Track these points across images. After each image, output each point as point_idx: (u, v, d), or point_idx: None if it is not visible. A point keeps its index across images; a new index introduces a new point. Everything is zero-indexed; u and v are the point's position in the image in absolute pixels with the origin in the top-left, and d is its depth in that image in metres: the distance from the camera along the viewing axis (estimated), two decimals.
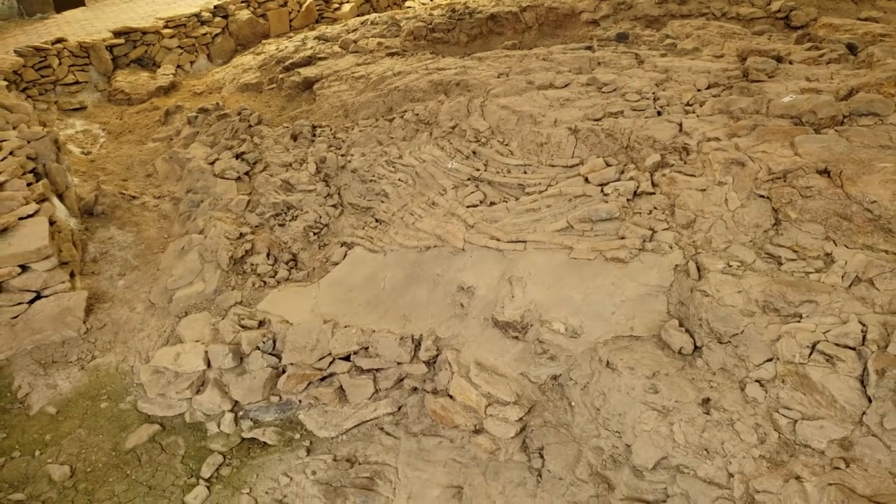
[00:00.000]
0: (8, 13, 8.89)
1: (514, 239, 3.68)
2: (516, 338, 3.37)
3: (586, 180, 3.81)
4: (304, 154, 5.48)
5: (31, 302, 3.88)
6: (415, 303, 3.88)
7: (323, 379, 3.67)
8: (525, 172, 4.16)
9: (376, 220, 4.56)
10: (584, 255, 3.39)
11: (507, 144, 4.44)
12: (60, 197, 5.01)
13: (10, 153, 4.77)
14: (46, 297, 3.94)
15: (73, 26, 8.43)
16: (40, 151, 5.04)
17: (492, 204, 4.10)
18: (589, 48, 5.86)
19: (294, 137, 5.81)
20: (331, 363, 3.67)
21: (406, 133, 5.20)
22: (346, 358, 3.68)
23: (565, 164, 4.04)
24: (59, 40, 7.44)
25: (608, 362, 3.00)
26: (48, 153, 5.11)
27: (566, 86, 4.86)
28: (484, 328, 3.49)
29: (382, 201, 4.65)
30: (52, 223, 4.29)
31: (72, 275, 4.24)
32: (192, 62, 8.77)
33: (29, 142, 5.01)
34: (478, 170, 4.34)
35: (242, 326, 3.82)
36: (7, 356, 3.68)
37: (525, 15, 7.70)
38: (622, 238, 3.38)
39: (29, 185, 4.58)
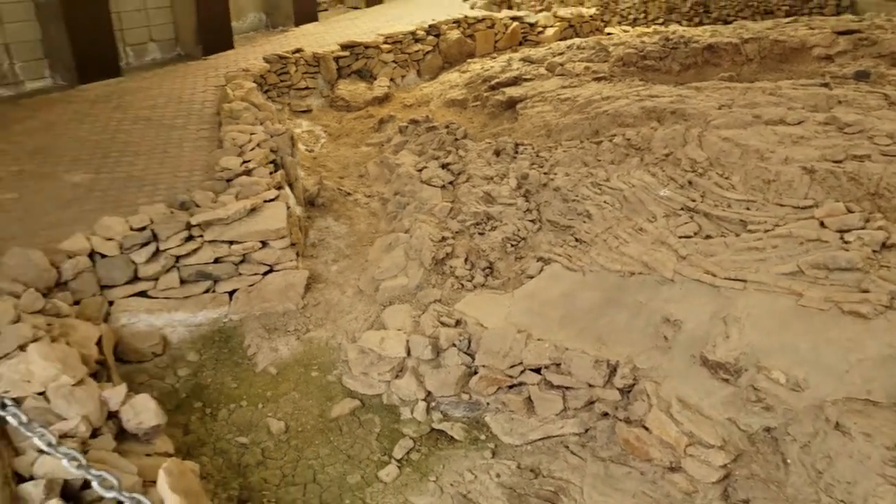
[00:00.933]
0: (258, 25, 10.25)
1: (733, 276, 3.52)
2: (726, 380, 3.21)
3: (822, 224, 3.55)
4: (505, 169, 5.68)
5: (265, 274, 4.40)
6: (612, 327, 3.84)
7: (512, 386, 3.76)
8: (748, 208, 3.97)
9: (576, 240, 4.59)
10: (815, 304, 3.15)
11: (727, 178, 4.27)
12: (290, 187, 5.64)
13: (258, 145, 5.47)
14: (277, 271, 4.45)
15: (308, 38, 9.50)
16: (280, 146, 5.72)
17: (707, 237, 3.96)
18: (825, 85, 5.46)
19: (497, 153, 6.05)
20: (521, 372, 3.75)
21: (614, 157, 5.20)
22: (537, 370, 3.74)
23: (796, 204, 3.79)
24: (298, 50, 8.41)
25: (838, 424, 2.76)
26: (286, 148, 5.78)
27: (800, 123, 4.57)
28: (689, 365, 3.37)
29: (584, 221, 4.67)
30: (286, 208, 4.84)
31: (297, 255, 4.74)
32: (403, 76, 9.47)
33: (272, 136, 5.71)
34: (693, 200, 4.22)
35: (441, 323, 4.03)
36: (241, 318, 4.21)
37: (746, 47, 7.36)
38: (865, 291, 3.10)
39: (270, 174, 5.20)
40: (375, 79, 8.94)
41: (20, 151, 5.48)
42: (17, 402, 2.62)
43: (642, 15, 15.79)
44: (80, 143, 5.69)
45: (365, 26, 10.26)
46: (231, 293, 4.28)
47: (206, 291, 4.21)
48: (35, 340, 3.02)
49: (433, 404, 3.74)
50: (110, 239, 4.01)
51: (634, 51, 7.84)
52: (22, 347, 2.95)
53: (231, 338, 4.09)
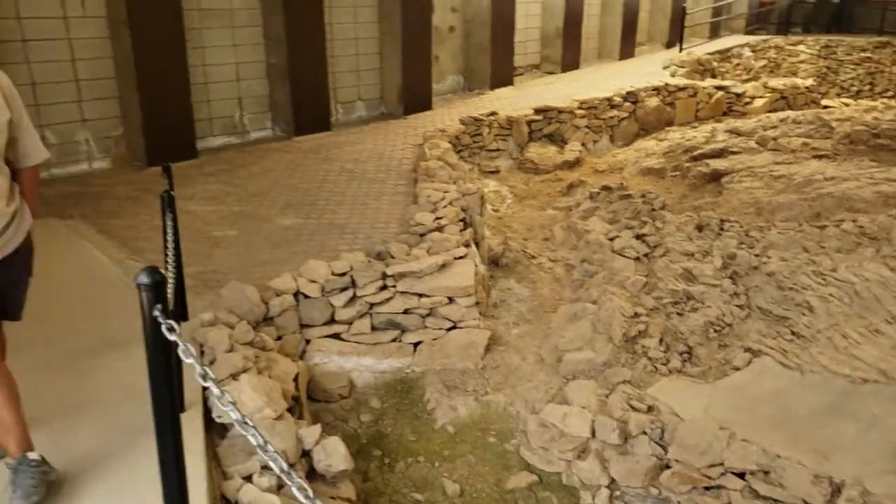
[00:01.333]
0: (455, 87, 10.92)
1: None
2: None
3: None
4: (709, 246, 5.39)
5: (448, 330, 4.51)
6: (837, 439, 3.40)
7: (709, 488, 3.44)
8: None
9: (793, 333, 4.18)
10: None
11: None
12: (477, 245, 5.80)
13: (450, 203, 5.72)
14: (460, 328, 4.54)
15: (503, 102, 9.91)
16: (470, 205, 5.93)
17: None
18: None
19: (699, 228, 5.77)
20: (721, 474, 3.42)
21: (842, 245, 4.72)
22: (741, 475, 3.39)
23: None
24: (492, 113, 8.80)
25: None
26: (475, 207, 5.98)
27: None
28: None
29: (804, 314, 4.25)
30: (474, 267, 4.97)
31: (479, 314, 4.81)
32: (595, 142, 9.49)
33: (463, 196, 5.95)
34: None
35: (631, 406, 3.83)
36: (423, 370, 4.33)
37: None
38: None
39: (460, 231, 5.39)
40: (566, 143, 9.06)
41: (243, 193, 6.22)
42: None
43: (867, 87, 14.54)
44: (292, 190, 6.34)
45: (559, 91, 10.50)
46: (416, 345, 4.43)
47: (394, 340, 4.39)
48: (245, 371, 3.32)
49: (617, 493, 3.53)
50: (314, 281, 4.36)
51: (865, 127, 7.18)
52: (234, 376, 3.26)
53: (412, 389, 4.21)
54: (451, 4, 10.67)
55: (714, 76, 12.38)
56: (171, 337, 1.48)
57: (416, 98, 9.46)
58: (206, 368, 1.43)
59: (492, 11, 10.58)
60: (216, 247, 5.06)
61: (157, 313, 1.49)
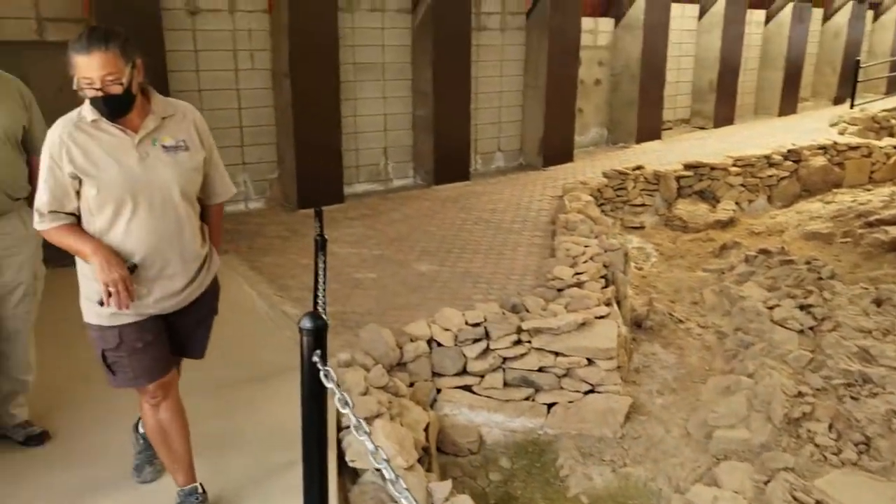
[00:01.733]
0: (598, 140, 10.84)
1: None
2: None
3: None
4: (890, 324, 4.84)
5: (586, 393, 4.34)
6: None
7: None
8: None
9: None
10: None
11: None
12: (618, 304, 5.59)
13: (591, 258, 5.58)
14: (598, 393, 4.35)
15: (649, 156, 9.67)
16: (613, 261, 5.75)
17: None
18: None
19: (878, 303, 5.21)
20: None
21: None
22: None
23: None
24: (638, 167, 8.59)
25: None
26: (618, 264, 5.79)
27: None
28: None
29: None
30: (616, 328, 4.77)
31: (620, 379, 4.59)
32: (750, 201, 8.97)
33: (605, 251, 5.79)
34: None
35: (794, 499, 3.44)
36: (556, 433, 4.18)
37: None
38: None
39: (601, 289, 5.23)
40: (719, 201, 8.63)
41: (383, 238, 6.46)
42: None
43: None
44: (429, 237, 6.50)
45: (711, 147, 10.10)
46: (550, 406, 4.29)
47: (527, 399, 4.28)
48: (379, 416, 3.36)
49: None
50: (448, 330, 4.38)
51: None
52: (368, 420, 3.30)
53: (545, 452, 4.06)
54: (598, 58, 10.70)
55: (892, 135, 11.37)
56: (328, 384, 1.52)
57: (556, 150, 9.47)
58: (362, 421, 1.44)
59: (641, 65, 10.47)
60: (356, 288, 5.25)
61: (316, 359, 1.54)
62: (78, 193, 2.14)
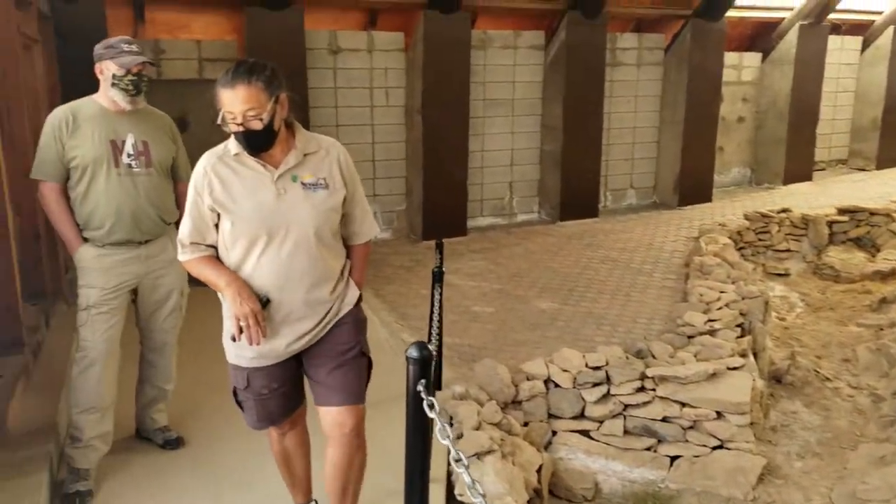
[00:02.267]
0: (740, 180, 10.37)
1: None
2: None
3: None
4: None
5: (714, 448, 4.12)
6: None
7: None
8: None
9: None
10: None
11: None
12: (755, 356, 5.27)
13: (726, 305, 5.32)
14: (728, 449, 4.12)
15: (797, 198, 9.11)
16: (751, 309, 5.44)
17: None
18: None
19: None
20: None
21: None
22: None
23: None
24: (784, 210, 8.12)
25: None
26: (757, 313, 5.47)
27: None
28: None
29: None
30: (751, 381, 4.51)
31: (753, 437, 4.32)
32: None
33: (743, 298, 5.50)
34: None
35: None
36: (678, 489, 3.99)
37: None
38: None
39: (736, 338, 4.97)
40: (879, 250, 7.94)
41: (503, 272, 6.52)
42: None
43: None
44: (551, 274, 6.48)
45: (871, 190, 9.37)
46: (673, 458, 4.11)
47: (648, 449, 4.13)
48: (490, 452, 3.38)
49: None
50: (566, 371, 4.34)
51: None
52: (479, 456, 3.33)
53: None
54: (742, 94, 10.30)
55: None
56: (431, 414, 1.58)
57: (693, 189, 9.17)
58: (461, 453, 1.48)
59: (791, 101, 9.95)
60: (474, 321, 5.34)
61: (420, 388, 1.61)
62: (217, 226, 2.17)
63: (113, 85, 2.76)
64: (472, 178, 8.00)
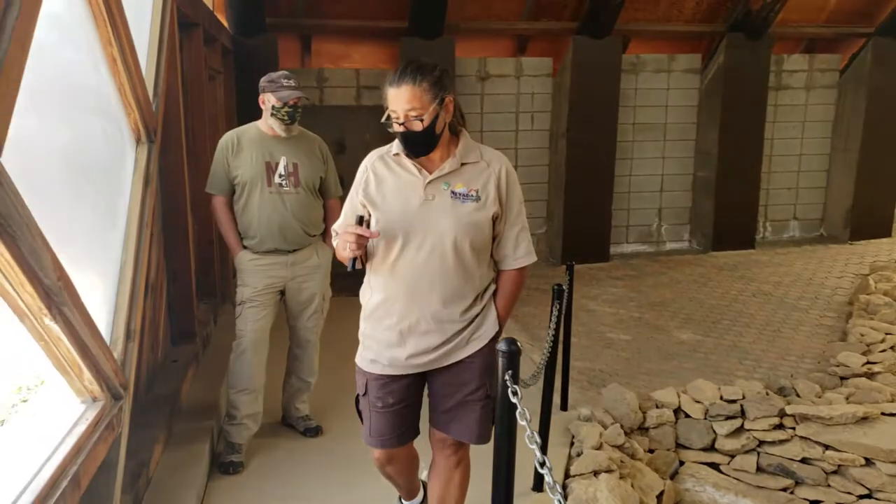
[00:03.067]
0: None
1: None
2: None
3: None
4: None
5: (860, 497, 3.94)
6: None
7: None
8: None
9: None
10: None
11: None
12: None
13: (891, 348, 5.04)
14: (876, 499, 3.92)
15: None
16: None
17: None
18: None
19: None
20: None
21: None
22: None
23: None
24: None
25: None
26: None
27: None
28: None
29: None
30: None
31: None
32: None
33: None
34: None
35: None
36: None
37: None
38: None
39: None
40: None
41: (644, 301, 6.54)
42: None
43: None
44: (696, 305, 6.40)
45: None
46: (812, 503, 3.98)
47: (784, 489, 4.03)
48: (608, 471, 3.51)
49: None
50: (698, 402, 4.34)
51: None
52: (595, 473, 3.47)
53: None
54: None
55: None
56: (513, 400, 1.82)
57: (869, 222, 8.59)
58: (547, 459, 1.67)
59: None
60: (608, 348, 5.44)
61: (507, 378, 1.86)
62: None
63: (272, 115, 3.29)
64: (617, 203, 8.07)
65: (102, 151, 3.03)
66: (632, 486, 3.57)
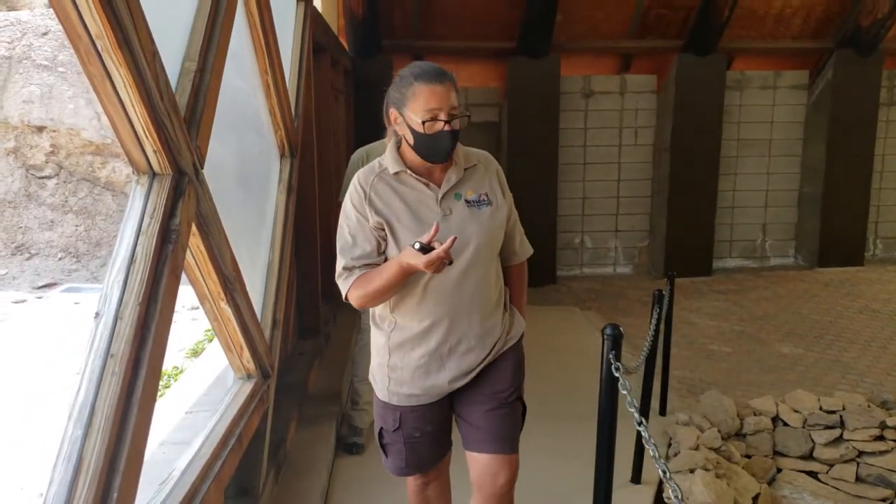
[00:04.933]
0: None
1: None
2: None
3: None
4: None
5: None
6: None
7: None
8: None
9: None
10: None
11: None
12: None
13: None
14: None
15: None
16: None
17: None
18: None
19: None
20: None
21: None
22: None
23: None
24: None
25: None
26: None
27: None
28: None
29: None
30: None
31: None
32: None
33: None
34: None
35: None
36: None
37: None
38: None
39: None
40: None
41: (746, 315, 6.51)
42: None
43: None
44: (799, 319, 6.31)
45: None
46: None
47: (883, 500, 4.00)
48: (704, 469, 3.64)
49: None
50: (797, 411, 4.36)
51: None
52: (692, 470, 3.61)
53: None
54: None
55: None
56: (616, 374, 2.05)
57: None
58: (645, 429, 1.90)
59: None
60: (708, 359, 5.49)
61: (611, 356, 2.10)
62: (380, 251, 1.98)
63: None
64: (720, 217, 8.04)
65: (258, 164, 3.51)
66: (727, 485, 3.67)
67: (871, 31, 7.40)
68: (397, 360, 2.05)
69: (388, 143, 2.05)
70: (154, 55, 1.76)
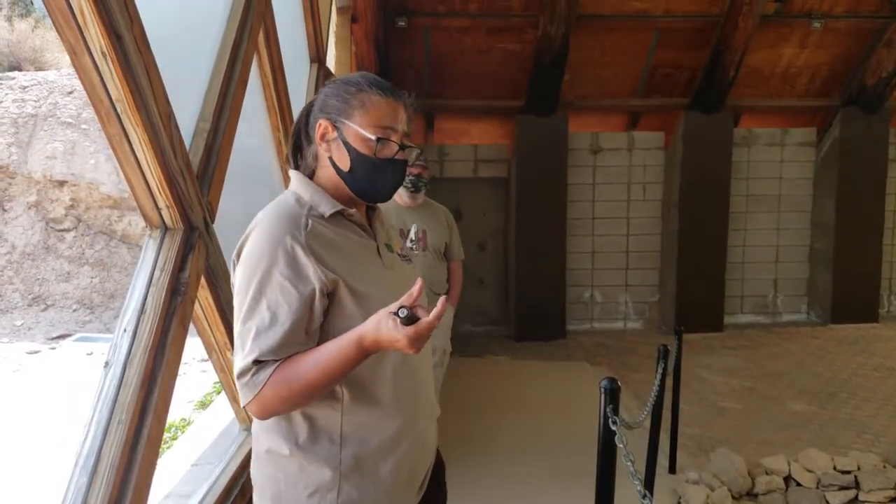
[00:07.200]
0: None
1: None
2: None
3: None
4: None
5: None
6: None
7: None
8: None
9: None
10: None
11: None
12: None
13: None
14: None
15: None
16: None
17: None
18: None
19: None
20: None
21: None
22: None
23: None
24: None
25: None
26: None
27: None
28: None
29: None
30: None
31: None
32: None
33: None
34: None
35: None
36: None
37: None
38: None
39: None
40: None
41: (758, 371, 6.45)
42: None
43: None
44: (812, 377, 6.24)
45: None
46: None
47: None
48: None
49: None
50: (810, 471, 4.29)
51: None
52: None
53: None
54: None
55: None
56: (612, 427, 2.07)
57: None
58: (639, 477, 1.91)
59: None
60: (719, 416, 5.43)
61: (608, 410, 2.12)
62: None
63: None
64: (731, 273, 8.04)
65: None
66: None
67: (876, 90, 7.53)
68: (355, 491, 1.41)
69: (294, 175, 1.53)
70: (170, 116, 1.86)
